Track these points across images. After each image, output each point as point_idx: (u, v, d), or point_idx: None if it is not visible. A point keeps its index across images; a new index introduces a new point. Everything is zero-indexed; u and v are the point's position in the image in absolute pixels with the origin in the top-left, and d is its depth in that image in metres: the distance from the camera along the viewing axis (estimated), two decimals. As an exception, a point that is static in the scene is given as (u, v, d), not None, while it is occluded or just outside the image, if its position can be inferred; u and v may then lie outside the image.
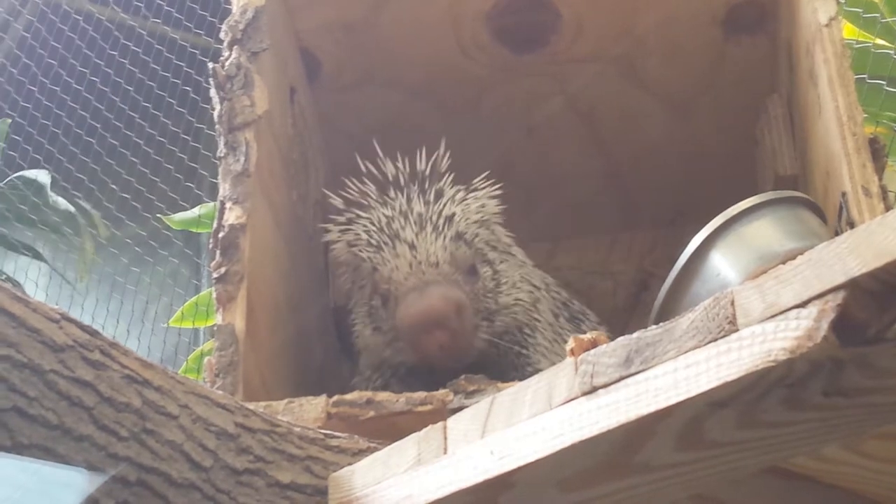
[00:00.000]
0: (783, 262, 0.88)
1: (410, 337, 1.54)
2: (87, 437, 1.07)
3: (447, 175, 1.65)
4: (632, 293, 2.08)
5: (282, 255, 1.71)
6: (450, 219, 1.60)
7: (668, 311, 1.33)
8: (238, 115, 1.65)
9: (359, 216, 1.65)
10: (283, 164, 1.77)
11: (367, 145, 1.69)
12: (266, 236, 1.65)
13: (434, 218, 1.60)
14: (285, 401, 1.42)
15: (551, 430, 0.98)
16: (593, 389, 0.97)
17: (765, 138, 1.89)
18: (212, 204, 2.29)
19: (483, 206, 1.67)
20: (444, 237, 1.58)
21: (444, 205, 1.62)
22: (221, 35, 1.74)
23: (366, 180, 1.66)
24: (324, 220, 1.92)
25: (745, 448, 0.97)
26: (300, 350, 1.74)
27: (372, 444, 1.23)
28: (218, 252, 1.57)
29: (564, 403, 0.98)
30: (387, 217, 1.61)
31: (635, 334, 0.96)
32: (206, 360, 1.53)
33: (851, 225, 1.41)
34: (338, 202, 1.69)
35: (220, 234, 1.57)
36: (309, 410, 1.40)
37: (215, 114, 1.68)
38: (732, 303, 0.90)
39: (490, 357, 1.60)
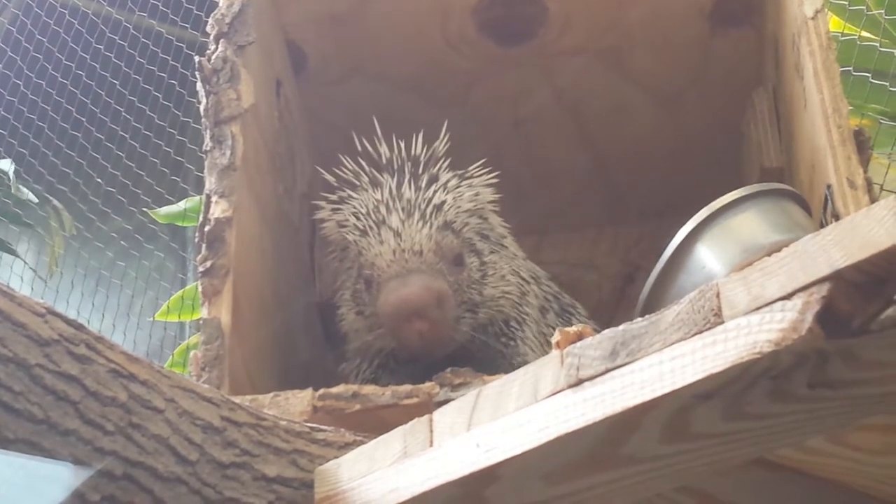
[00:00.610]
0: (768, 255, 0.88)
1: (390, 324, 1.53)
2: (73, 432, 1.06)
3: (442, 161, 1.64)
4: (617, 286, 2.09)
5: (268, 249, 1.71)
6: (439, 207, 1.59)
7: (653, 304, 1.34)
8: (224, 109, 1.65)
9: (350, 196, 1.64)
10: (270, 158, 1.77)
11: (354, 138, 1.68)
12: (252, 230, 1.65)
13: (423, 205, 1.59)
14: (271, 394, 1.41)
15: (537, 422, 0.98)
16: (579, 382, 0.97)
17: (751, 131, 1.89)
18: (198, 198, 2.29)
19: (477, 194, 1.65)
20: (431, 225, 1.57)
21: (435, 192, 1.60)
22: (207, 29, 1.73)
23: (361, 160, 1.65)
24: (310, 214, 1.92)
25: (731, 440, 0.97)
26: (286, 344, 1.74)
27: (358, 438, 1.23)
28: (204, 246, 1.56)
29: (550, 396, 0.99)
30: (376, 201, 1.60)
31: (621, 327, 0.96)
32: (191, 353, 1.52)
33: (836, 217, 1.42)
34: (331, 179, 1.67)
35: (206, 228, 1.57)
36: (295, 404, 1.40)
37: (201, 107, 1.68)
38: (718, 295, 0.90)
39: (475, 349, 1.60)
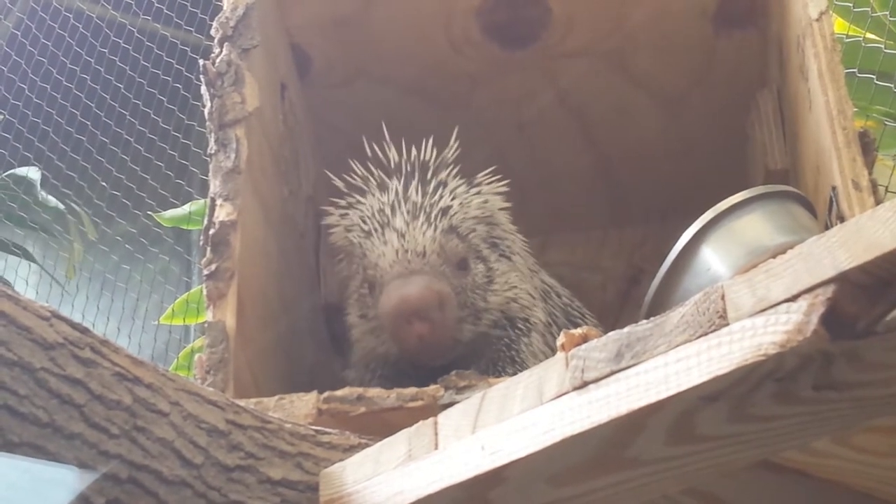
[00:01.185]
0: (773, 257, 0.88)
1: (391, 325, 1.53)
2: (78, 435, 1.06)
3: (452, 167, 1.64)
4: (622, 288, 2.09)
5: (272, 252, 1.71)
6: (445, 211, 1.59)
7: (658, 306, 1.34)
8: (228, 112, 1.65)
9: (358, 201, 1.64)
10: (274, 161, 1.77)
11: (358, 141, 1.68)
12: (257, 233, 1.65)
13: (428, 209, 1.58)
14: (276, 397, 1.41)
15: (542, 424, 0.98)
16: (584, 384, 0.97)
17: (755, 133, 1.89)
18: (202, 201, 2.29)
19: (486, 201, 1.65)
20: (436, 228, 1.57)
21: (442, 197, 1.60)
22: (212, 32, 1.74)
23: (369, 164, 1.65)
24: (315, 217, 1.92)
25: (736, 442, 0.97)
26: (291, 347, 1.74)
27: (363, 440, 1.23)
28: (208, 249, 1.56)
29: (555, 398, 0.98)
30: (381, 203, 1.60)
31: (626, 329, 0.96)
32: (196, 357, 1.52)
33: (841, 219, 1.42)
34: (339, 185, 1.67)
35: (211, 231, 1.57)
36: (300, 407, 1.40)
37: (206, 111, 1.68)
38: (723, 297, 0.90)
39: (477, 355, 1.59)
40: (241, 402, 1.22)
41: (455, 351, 1.56)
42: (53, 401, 1.06)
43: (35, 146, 2.91)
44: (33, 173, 2.67)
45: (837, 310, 0.83)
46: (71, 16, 3.00)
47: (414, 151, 1.64)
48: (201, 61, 1.70)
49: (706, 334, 0.90)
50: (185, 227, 2.59)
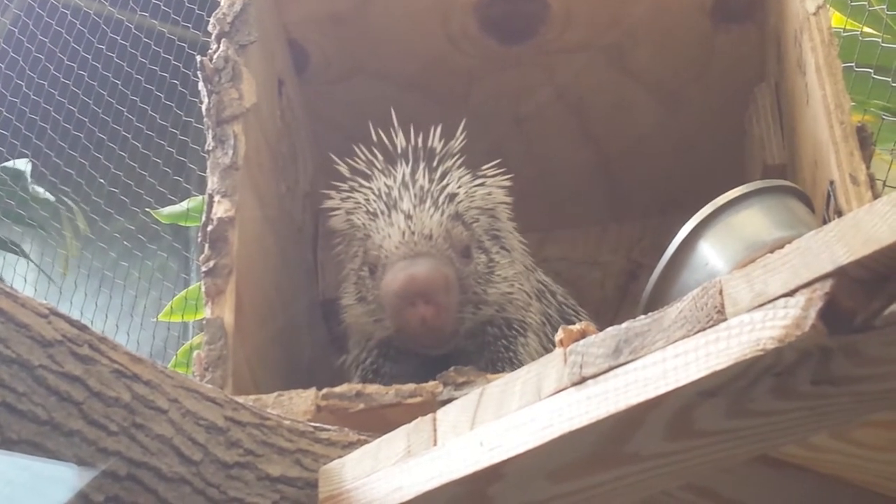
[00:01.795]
0: (771, 251, 0.88)
1: (394, 306, 1.51)
2: (77, 433, 1.06)
3: (457, 157, 1.64)
4: (620, 283, 2.08)
5: (271, 248, 1.71)
6: (451, 197, 1.58)
7: (656, 301, 1.34)
8: (226, 108, 1.65)
9: (361, 185, 1.63)
10: (272, 157, 1.77)
11: (356, 137, 1.68)
12: (255, 229, 1.65)
13: (436, 193, 1.57)
14: (275, 394, 1.41)
15: (541, 420, 0.98)
16: (582, 380, 0.97)
17: (753, 127, 1.89)
18: (200, 197, 2.29)
19: (489, 193, 1.64)
20: (443, 213, 1.56)
21: (449, 183, 1.59)
22: (209, 28, 1.73)
23: (375, 150, 1.64)
24: (313, 213, 1.92)
25: (735, 437, 0.97)
26: (289, 343, 1.74)
27: (362, 437, 1.23)
28: (206, 246, 1.56)
29: (554, 394, 0.98)
30: (388, 186, 1.59)
31: (624, 324, 0.96)
32: (195, 353, 1.52)
33: (839, 213, 1.42)
34: (343, 170, 1.66)
35: (209, 228, 1.57)
36: (298, 403, 1.40)
37: (203, 107, 1.68)
38: (721, 292, 0.90)
39: (476, 355, 1.59)
40: (240, 399, 1.22)
41: (452, 341, 1.55)
42: (52, 398, 1.06)
43: (33, 143, 2.91)
44: (22, 165, 2.67)
45: (835, 304, 0.83)
46: (68, 12, 3.00)
47: (421, 138, 1.63)
48: (198, 57, 1.70)
49: (704, 329, 0.90)
50: (183, 224, 2.59)
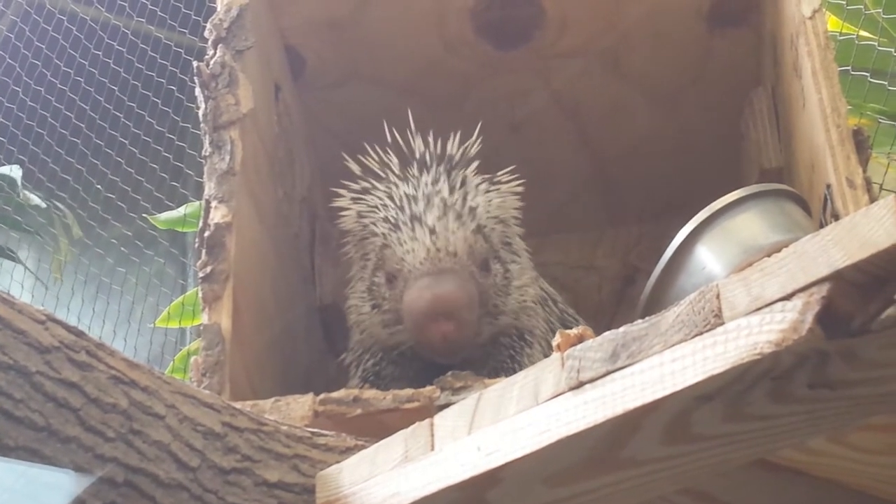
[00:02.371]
0: (768, 255, 0.88)
1: (416, 322, 1.50)
2: (74, 439, 1.06)
3: (473, 163, 1.62)
4: (617, 288, 2.08)
5: (268, 254, 1.71)
6: (473, 210, 1.57)
7: (654, 306, 1.34)
8: (223, 114, 1.65)
9: (374, 186, 1.61)
10: (269, 163, 1.77)
11: (352, 142, 1.68)
12: (252, 235, 1.65)
13: (458, 206, 1.56)
14: (272, 399, 1.41)
15: (538, 425, 0.98)
16: (580, 384, 0.97)
17: (750, 131, 1.89)
18: (197, 203, 2.29)
19: (504, 201, 1.63)
20: (466, 227, 1.55)
21: (468, 194, 1.58)
22: (206, 34, 1.73)
23: (389, 151, 1.63)
24: (310, 218, 1.92)
25: (732, 441, 0.97)
26: (287, 348, 1.74)
27: (359, 442, 1.23)
28: (204, 251, 1.56)
29: (551, 399, 0.98)
30: (408, 196, 1.57)
31: (621, 329, 0.96)
32: (192, 359, 1.52)
33: (836, 217, 1.42)
34: (355, 168, 1.66)
35: (206, 234, 1.57)
36: (296, 409, 1.40)
37: (200, 112, 1.67)
38: (718, 296, 0.90)
39: (480, 363, 1.58)
40: (237, 405, 1.22)
41: (467, 351, 1.55)
42: (49, 404, 1.06)
43: (29, 149, 2.91)
44: (14, 171, 2.67)
45: (832, 308, 0.83)
46: (65, 18, 3.00)
47: (440, 144, 1.62)
48: (195, 63, 1.70)
49: (701, 333, 0.90)
50: (180, 230, 2.59)
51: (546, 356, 1.59)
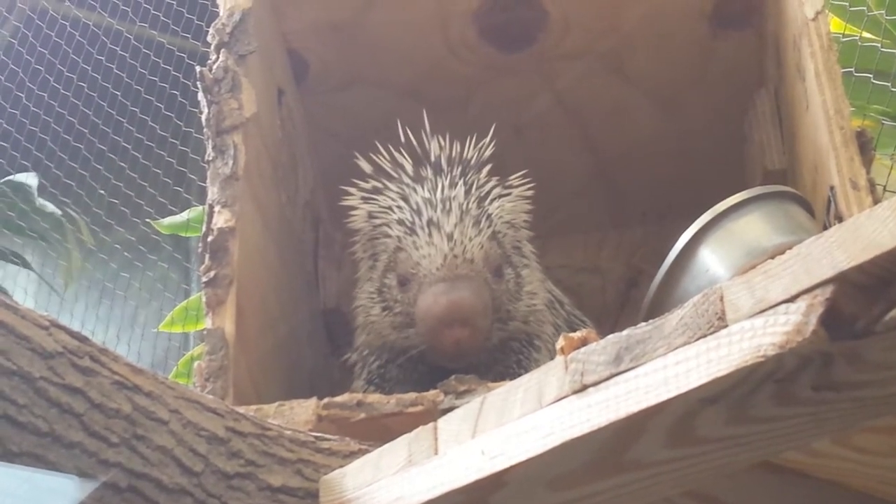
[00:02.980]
0: (772, 257, 0.88)
1: (431, 327, 1.51)
2: (78, 444, 1.06)
3: (485, 167, 1.62)
4: (621, 290, 2.08)
5: (271, 258, 1.71)
6: (489, 216, 1.58)
7: (657, 308, 1.34)
8: (226, 118, 1.65)
9: (386, 187, 1.61)
10: (272, 167, 1.77)
11: (356, 146, 1.68)
12: (255, 239, 1.65)
13: (474, 212, 1.56)
14: (276, 404, 1.41)
15: (542, 428, 0.98)
16: (584, 388, 0.97)
17: (753, 133, 1.89)
18: (200, 208, 2.29)
19: (515, 206, 1.64)
20: (482, 234, 1.55)
21: (483, 199, 1.59)
22: (208, 38, 1.73)
23: (402, 151, 1.63)
24: (313, 222, 1.92)
25: (736, 444, 0.97)
26: (290, 353, 1.74)
27: (363, 446, 1.23)
28: (207, 256, 1.56)
29: (555, 402, 0.98)
30: (424, 199, 1.57)
31: (625, 332, 0.96)
32: (196, 364, 1.52)
33: (840, 219, 1.41)
34: (366, 167, 1.65)
35: (209, 238, 1.57)
36: (299, 413, 1.40)
37: (203, 117, 1.68)
38: (721, 298, 0.90)
39: (486, 367, 1.58)
40: (241, 410, 1.22)
41: (478, 355, 1.54)
42: (53, 410, 1.06)
43: (33, 154, 2.91)
44: (31, 179, 2.67)
45: (836, 310, 0.83)
46: (67, 24, 3.00)
47: (458, 147, 1.62)
48: (198, 68, 1.70)
49: (705, 336, 0.90)
50: (183, 235, 2.58)
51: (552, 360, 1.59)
